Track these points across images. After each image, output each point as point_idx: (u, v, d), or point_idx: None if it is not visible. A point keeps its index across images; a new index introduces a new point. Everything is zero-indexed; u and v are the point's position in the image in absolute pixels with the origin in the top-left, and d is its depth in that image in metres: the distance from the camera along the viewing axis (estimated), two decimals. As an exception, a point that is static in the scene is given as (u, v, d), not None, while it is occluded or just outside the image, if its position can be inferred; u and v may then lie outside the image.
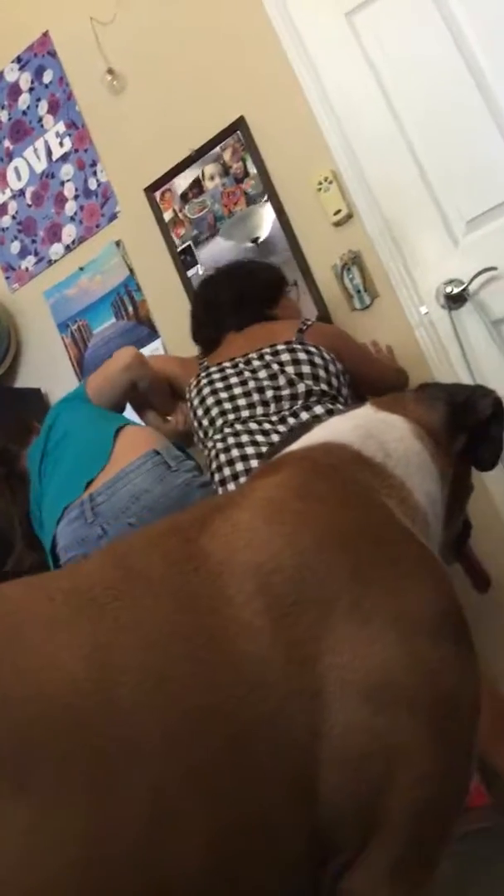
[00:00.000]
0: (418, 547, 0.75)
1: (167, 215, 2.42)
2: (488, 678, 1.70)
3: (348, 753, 0.62)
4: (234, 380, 1.72)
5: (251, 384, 1.69)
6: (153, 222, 2.43)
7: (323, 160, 2.18)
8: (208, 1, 2.33)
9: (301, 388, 1.65)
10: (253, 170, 2.28)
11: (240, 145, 2.30)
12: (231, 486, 1.58)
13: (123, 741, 0.57)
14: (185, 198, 2.39)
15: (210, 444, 1.69)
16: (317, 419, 1.06)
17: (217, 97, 2.32)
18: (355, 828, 0.63)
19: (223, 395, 1.71)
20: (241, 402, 1.68)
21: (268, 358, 1.71)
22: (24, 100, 2.65)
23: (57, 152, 2.60)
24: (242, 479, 1.55)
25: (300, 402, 1.64)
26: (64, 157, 2.59)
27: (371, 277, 2.15)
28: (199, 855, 0.57)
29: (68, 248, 2.59)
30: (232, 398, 1.70)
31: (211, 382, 1.74)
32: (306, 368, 1.67)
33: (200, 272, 2.34)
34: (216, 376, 1.75)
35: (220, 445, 1.64)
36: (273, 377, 1.68)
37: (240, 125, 2.30)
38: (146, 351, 2.33)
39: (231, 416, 1.68)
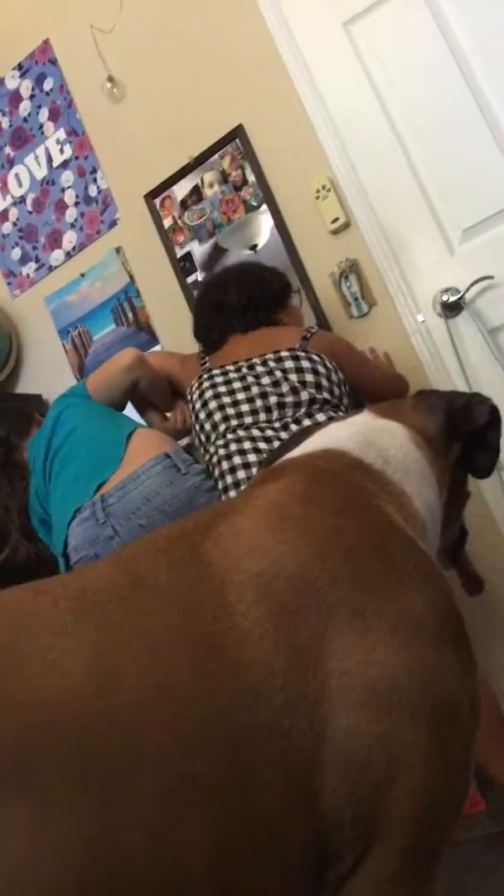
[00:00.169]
0: (418, 554, 0.75)
1: (167, 222, 2.43)
2: (485, 683, 1.71)
3: (350, 759, 0.62)
4: (237, 384, 1.72)
5: (254, 390, 1.69)
6: (153, 229, 2.45)
7: (321, 168, 2.20)
8: (208, 10, 2.35)
9: (304, 396, 1.65)
10: (251, 178, 2.30)
11: (238, 153, 2.32)
12: (233, 494, 1.59)
13: (126, 747, 0.58)
14: (184, 205, 2.41)
15: (212, 449, 1.69)
16: (317, 426, 1.07)
17: (216, 105, 2.34)
18: (356, 833, 0.63)
19: (226, 399, 1.71)
20: (245, 407, 1.68)
21: (271, 364, 1.71)
22: (24, 107, 2.67)
23: (57, 159, 2.61)
24: (244, 487, 1.55)
25: (303, 409, 1.65)
26: (64, 164, 2.60)
27: (368, 285, 2.16)
28: (201, 860, 0.57)
29: (69, 255, 2.60)
30: (235, 403, 1.70)
31: (214, 386, 1.74)
32: (310, 377, 1.68)
33: (200, 278, 2.35)
34: (219, 380, 1.75)
35: (222, 452, 1.65)
36: (276, 384, 1.68)
37: (238, 133, 2.31)
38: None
39: (234, 422, 1.68)
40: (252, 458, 1.59)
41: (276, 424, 1.64)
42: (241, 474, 1.58)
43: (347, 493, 0.80)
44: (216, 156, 2.35)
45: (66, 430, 1.76)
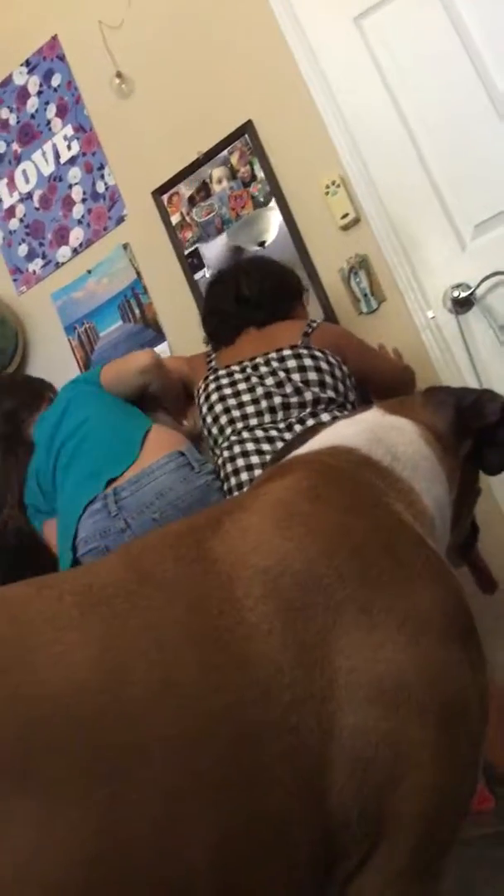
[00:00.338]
0: (427, 551, 0.75)
1: (174, 218, 2.43)
2: (495, 681, 1.70)
3: (357, 756, 0.62)
4: (242, 386, 1.72)
5: (259, 391, 1.69)
6: (160, 225, 2.44)
7: (330, 164, 2.19)
8: (217, 5, 2.34)
9: (308, 395, 1.65)
10: (260, 173, 2.29)
11: (247, 149, 2.31)
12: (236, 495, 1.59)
13: (132, 742, 0.58)
14: (192, 201, 2.40)
15: (219, 451, 1.70)
16: (322, 424, 1.06)
17: (225, 101, 2.33)
18: (364, 831, 0.63)
19: (231, 401, 1.71)
20: (250, 409, 1.68)
21: (274, 364, 1.70)
22: (32, 103, 2.67)
23: (65, 155, 2.61)
24: (247, 489, 1.56)
25: (308, 409, 1.65)
26: (72, 161, 2.60)
27: (378, 281, 2.15)
28: (207, 856, 0.57)
29: (76, 251, 2.60)
30: (240, 405, 1.70)
31: (219, 388, 1.74)
32: (313, 375, 1.67)
33: (207, 275, 2.35)
34: (224, 381, 1.75)
35: (227, 454, 1.65)
36: (280, 384, 1.68)
37: (247, 129, 2.31)
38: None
39: (239, 425, 1.68)
40: (255, 459, 1.59)
41: (281, 425, 1.64)
42: (244, 476, 1.59)
43: (355, 490, 0.79)
44: (225, 151, 2.34)
45: (76, 419, 1.77)
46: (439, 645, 0.67)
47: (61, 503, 1.73)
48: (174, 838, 0.57)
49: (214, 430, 1.73)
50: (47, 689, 0.58)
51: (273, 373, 1.69)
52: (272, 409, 1.67)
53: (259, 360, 1.73)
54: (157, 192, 2.44)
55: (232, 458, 1.63)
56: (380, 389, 1.91)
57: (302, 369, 1.68)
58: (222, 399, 1.72)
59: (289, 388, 1.66)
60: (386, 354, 2.00)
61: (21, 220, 2.70)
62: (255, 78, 2.29)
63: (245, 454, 1.61)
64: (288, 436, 1.61)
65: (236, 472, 1.61)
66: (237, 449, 1.63)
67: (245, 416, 1.68)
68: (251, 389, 1.70)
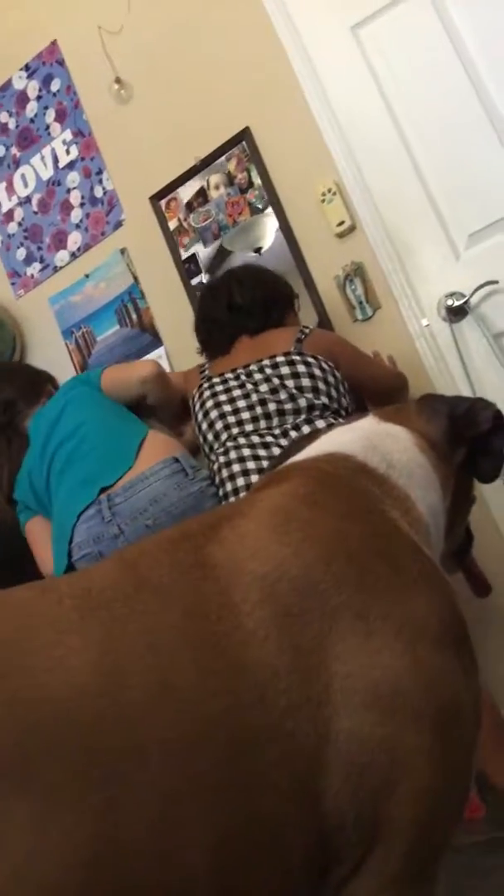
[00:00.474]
0: (422, 558, 0.76)
1: (172, 224, 2.44)
2: (486, 687, 1.71)
3: (353, 761, 0.63)
4: (237, 392, 1.73)
5: (254, 397, 1.70)
6: (158, 231, 2.45)
7: (327, 172, 2.20)
8: (216, 12, 2.35)
9: (302, 402, 1.66)
10: (257, 180, 2.31)
11: (245, 156, 2.33)
12: (232, 501, 1.60)
13: (129, 745, 0.58)
14: (190, 207, 2.41)
15: (214, 457, 1.70)
16: (318, 431, 1.07)
17: (223, 108, 2.34)
18: (358, 835, 0.63)
19: (227, 407, 1.72)
20: (245, 415, 1.69)
21: (268, 371, 1.71)
22: (31, 108, 2.67)
23: (63, 160, 2.62)
24: (243, 495, 1.56)
25: (302, 416, 1.66)
26: (70, 165, 2.61)
27: (373, 289, 2.16)
28: (203, 859, 0.58)
29: (73, 256, 2.61)
30: (235, 411, 1.70)
31: (214, 395, 1.75)
32: (306, 381, 1.68)
33: (204, 280, 2.36)
34: (219, 388, 1.75)
35: (222, 460, 1.66)
36: (274, 391, 1.68)
37: (245, 136, 2.32)
38: (148, 359, 2.34)
39: (235, 430, 1.68)
40: (251, 465, 1.60)
41: (276, 431, 1.65)
42: (239, 482, 1.59)
43: (351, 497, 0.80)
44: (222, 158, 2.36)
45: (73, 421, 1.76)
46: (435, 651, 0.68)
47: (56, 509, 1.73)
48: (171, 841, 0.57)
49: (210, 436, 1.74)
50: (46, 692, 0.58)
51: (267, 379, 1.70)
52: (267, 416, 1.68)
53: (253, 367, 1.74)
54: (155, 198, 2.45)
55: (228, 464, 1.64)
56: (372, 396, 1.92)
57: (295, 376, 1.69)
58: (217, 405, 1.73)
59: (283, 395, 1.67)
60: (380, 361, 2.01)
61: (19, 224, 2.71)
62: (252, 85, 2.31)
63: (241, 459, 1.62)
64: (283, 442, 1.62)
65: (232, 477, 1.61)
66: (233, 454, 1.64)
67: (240, 422, 1.69)
68: (246, 396, 1.71)
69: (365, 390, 1.88)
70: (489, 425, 0.99)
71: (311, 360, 1.72)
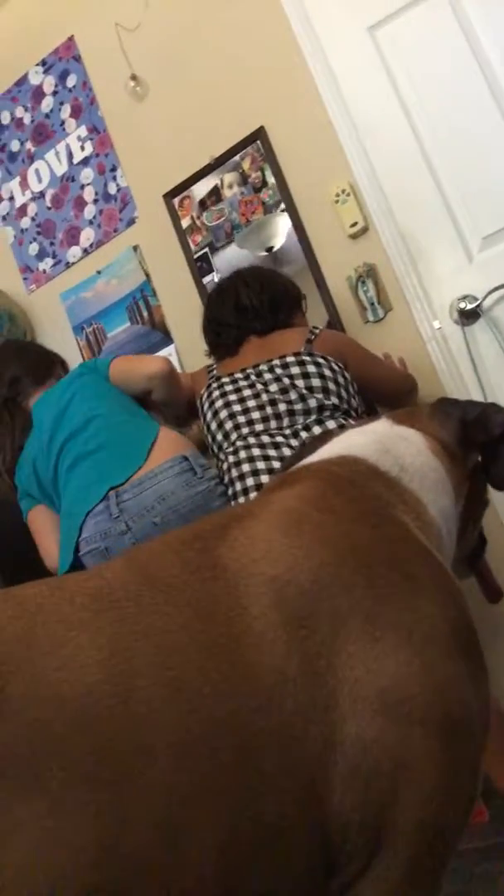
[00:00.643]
0: (433, 563, 0.76)
1: (185, 222, 2.44)
2: (494, 693, 1.70)
3: (359, 766, 0.63)
4: (247, 392, 1.72)
5: (264, 397, 1.69)
6: (171, 228, 2.45)
7: (341, 172, 2.20)
8: (232, 11, 2.35)
9: (312, 402, 1.66)
10: (271, 180, 2.30)
11: (259, 155, 2.32)
12: (242, 501, 1.59)
13: (138, 746, 0.58)
14: (203, 205, 2.41)
15: (223, 456, 1.70)
16: (330, 433, 1.07)
17: (238, 107, 2.34)
18: (363, 840, 0.63)
19: (237, 407, 1.71)
20: (255, 415, 1.69)
21: (278, 371, 1.71)
22: (47, 103, 2.68)
23: (78, 156, 2.62)
24: (253, 495, 1.56)
25: (313, 416, 1.65)
26: (85, 161, 2.61)
27: (385, 290, 2.16)
28: (209, 860, 0.58)
29: (86, 252, 2.61)
30: (245, 411, 1.70)
31: (224, 394, 1.75)
32: (316, 382, 1.68)
33: (216, 279, 2.35)
34: (229, 388, 1.75)
35: (231, 459, 1.66)
36: (284, 391, 1.68)
37: (260, 135, 2.32)
38: (161, 355, 2.34)
39: (245, 430, 1.68)
40: (261, 465, 1.60)
41: (287, 431, 1.65)
42: (249, 481, 1.59)
43: (363, 501, 0.80)
44: (237, 157, 2.35)
45: (83, 413, 1.75)
46: (444, 657, 0.67)
47: (65, 504, 1.73)
48: (178, 842, 0.57)
49: (219, 435, 1.73)
50: (56, 690, 0.58)
51: (277, 379, 1.70)
52: (277, 416, 1.67)
53: (263, 367, 1.74)
54: (169, 196, 2.45)
55: (237, 464, 1.63)
56: (380, 397, 1.92)
57: (305, 376, 1.68)
58: (227, 404, 1.73)
59: (293, 395, 1.67)
60: (390, 363, 2.01)
61: (33, 219, 2.71)
62: (268, 85, 2.31)
63: (251, 459, 1.62)
64: (293, 442, 1.61)
65: (242, 477, 1.61)
66: (243, 454, 1.64)
67: (251, 422, 1.68)
68: (256, 396, 1.70)
69: (373, 391, 1.88)
70: (501, 430, 0.99)
71: (321, 360, 1.71)
